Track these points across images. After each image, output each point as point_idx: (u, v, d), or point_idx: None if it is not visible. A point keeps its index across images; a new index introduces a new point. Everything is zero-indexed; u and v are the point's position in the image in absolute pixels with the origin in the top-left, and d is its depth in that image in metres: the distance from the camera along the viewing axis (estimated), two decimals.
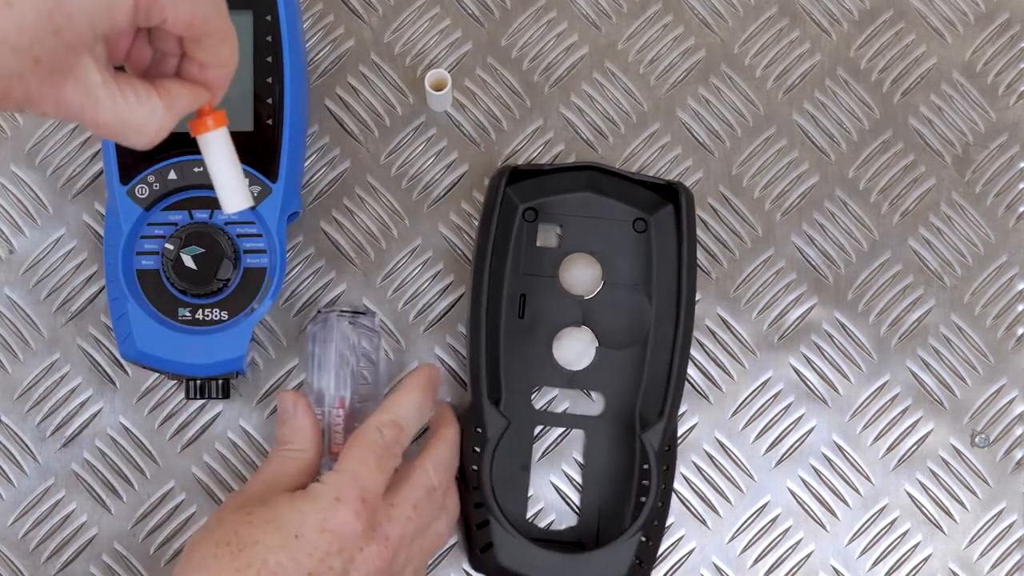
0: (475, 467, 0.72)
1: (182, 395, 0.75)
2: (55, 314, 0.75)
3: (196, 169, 0.69)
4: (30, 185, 0.76)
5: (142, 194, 0.69)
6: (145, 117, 0.53)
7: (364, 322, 0.72)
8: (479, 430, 0.72)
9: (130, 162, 0.70)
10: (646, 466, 0.72)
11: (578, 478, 0.75)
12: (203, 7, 0.53)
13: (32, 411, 0.75)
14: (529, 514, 0.74)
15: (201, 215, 0.69)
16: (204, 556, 0.61)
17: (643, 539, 0.71)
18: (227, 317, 0.69)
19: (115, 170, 0.70)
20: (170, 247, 0.68)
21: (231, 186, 0.60)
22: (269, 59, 0.70)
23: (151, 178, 0.69)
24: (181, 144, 0.69)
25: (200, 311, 0.69)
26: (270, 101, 0.70)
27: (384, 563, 0.63)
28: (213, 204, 0.69)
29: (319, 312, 0.72)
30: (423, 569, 0.68)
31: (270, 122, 0.70)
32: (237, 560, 0.60)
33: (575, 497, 0.75)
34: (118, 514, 0.74)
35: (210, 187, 0.69)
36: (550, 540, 0.74)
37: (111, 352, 0.75)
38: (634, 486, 0.73)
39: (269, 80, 0.70)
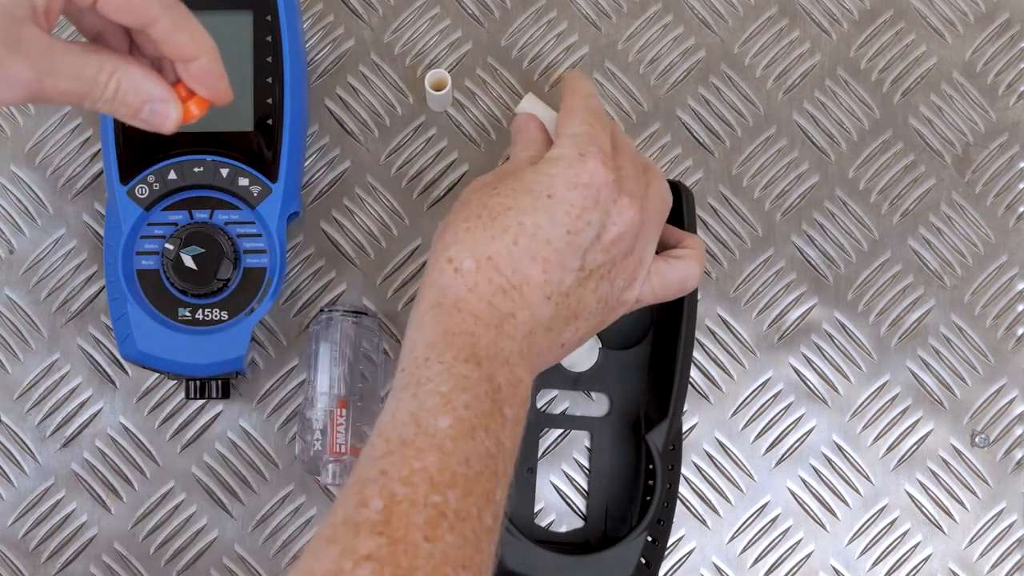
0: None
1: (182, 395, 0.75)
2: (55, 314, 0.75)
3: (196, 169, 0.69)
4: (30, 185, 0.76)
5: (142, 194, 0.69)
6: (96, 69, 0.53)
7: (365, 322, 0.72)
8: None
9: (130, 162, 0.69)
10: (651, 466, 0.72)
11: (579, 478, 0.75)
12: None
13: (32, 411, 0.75)
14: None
15: (201, 215, 0.69)
16: (456, 232, 0.60)
17: (649, 539, 0.71)
18: (227, 317, 0.69)
19: (115, 170, 0.70)
20: (170, 247, 0.68)
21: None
22: (269, 59, 0.70)
23: (151, 178, 0.69)
24: (181, 144, 0.69)
25: (200, 311, 0.69)
26: (270, 101, 0.70)
27: (637, 215, 0.61)
28: (213, 204, 0.69)
29: (321, 312, 0.72)
30: (649, 260, 0.64)
31: (270, 122, 0.70)
32: (491, 228, 0.59)
33: (575, 497, 0.75)
34: (118, 514, 0.74)
35: (211, 187, 0.69)
36: (557, 542, 0.74)
37: (111, 352, 0.75)
38: (639, 486, 0.73)
39: (269, 80, 0.70)
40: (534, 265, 0.59)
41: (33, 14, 0.50)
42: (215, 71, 0.56)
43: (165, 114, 0.56)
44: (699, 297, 0.76)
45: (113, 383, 0.75)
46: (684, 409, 0.74)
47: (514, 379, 0.58)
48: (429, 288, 0.60)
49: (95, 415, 0.75)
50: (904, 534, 0.75)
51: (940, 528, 0.75)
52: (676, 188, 0.73)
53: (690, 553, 0.75)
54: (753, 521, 0.75)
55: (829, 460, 0.75)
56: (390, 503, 0.52)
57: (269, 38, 0.70)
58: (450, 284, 0.59)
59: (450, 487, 0.53)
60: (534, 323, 0.59)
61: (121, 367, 0.75)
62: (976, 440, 0.75)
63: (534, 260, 0.59)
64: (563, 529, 0.75)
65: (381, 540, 0.51)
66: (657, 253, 0.65)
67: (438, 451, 0.54)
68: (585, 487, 0.75)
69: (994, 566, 0.75)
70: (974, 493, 0.75)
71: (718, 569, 0.75)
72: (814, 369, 0.76)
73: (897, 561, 0.75)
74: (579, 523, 0.75)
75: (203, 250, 0.68)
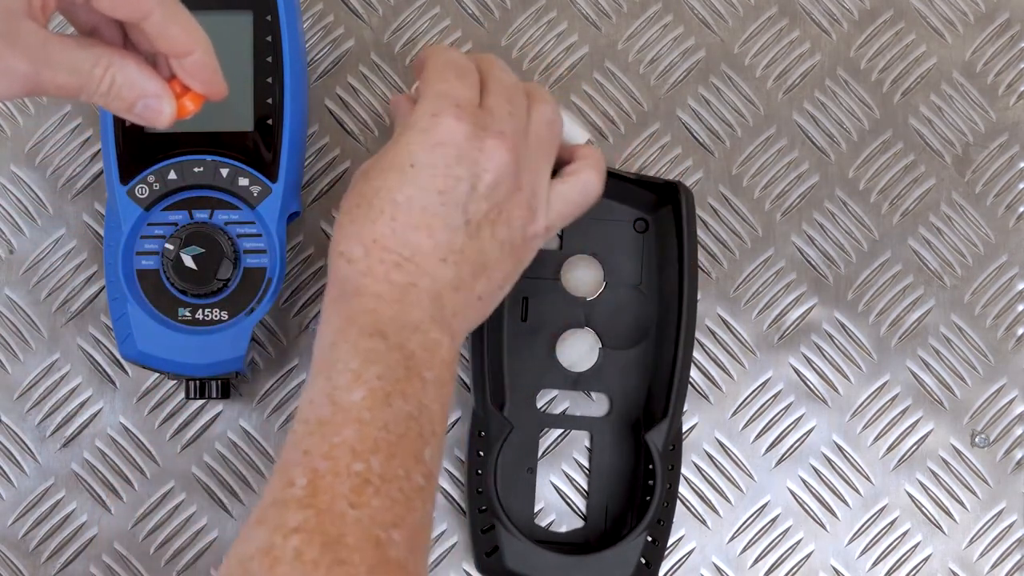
0: (479, 471, 0.72)
1: (182, 395, 0.75)
2: (55, 314, 0.75)
3: (196, 169, 0.69)
4: (30, 185, 0.76)
5: (142, 194, 0.69)
6: (92, 62, 0.53)
7: None
8: (483, 434, 0.72)
9: (130, 162, 0.69)
10: (651, 466, 0.72)
11: (579, 478, 0.75)
12: None
13: (32, 411, 0.75)
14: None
15: (201, 215, 0.69)
16: (342, 226, 0.62)
17: (649, 539, 0.71)
18: (227, 317, 0.69)
19: (115, 170, 0.69)
20: (170, 247, 0.68)
21: None
22: (269, 59, 0.70)
23: (151, 178, 0.69)
24: (181, 144, 0.69)
25: (200, 311, 0.69)
26: (270, 101, 0.70)
27: (509, 154, 0.62)
28: (213, 204, 0.69)
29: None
30: (544, 188, 0.65)
31: (270, 122, 0.70)
32: (371, 212, 0.61)
33: (575, 497, 0.75)
34: (118, 514, 0.74)
35: (211, 187, 0.69)
36: (557, 542, 0.74)
37: (111, 352, 0.75)
38: (639, 486, 0.73)
39: (269, 80, 0.70)
40: (418, 234, 0.60)
41: (28, 8, 0.51)
42: (209, 65, 0.56)
43: (159, 109, 0.56)
44: (699, 297, 0.76)
45: (113, 383, 0.75)
46: (684, 409, 0.74)
47: (429, 343, 0.60)
48: (330, 286, 0.62)
49: (95, 415, 0.75)
50: (904, 534, 0.75)
51: (940, 528, 0.75)
52: (676, 188, 0.73)
53: (690, 553, 0.75)
54: (753, 521, 0.75)
55: (829, 460, 0.75)
56: (314, 478, 0.54)
57: (269, 38, 0.70)
58: (347, 275, 0.61)
59: (372, 453, 0.55)
60: (438, 286, 0.61)
61: (121, 367, 0.75)
62: (976, 440, 0.75)
63: (417, 229, 0.60)
64: (563, 529, 0.75)
65: (308, 512, 0.53)
66: (554, 175, 0.66)
67: (356, 423, 0.56)
68: (585, 487, 0.75)
69: (994, 566, 0.75)
70: (974, 493, 0.75)
71: (718, 569, 0.75)
72: (814, 369, 0.76)
73: (897, 561, 0.75)
74: (579, 523, 0.75)
75: (203, 250, 0.68)
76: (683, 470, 0.75)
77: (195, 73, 0.56)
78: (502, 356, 0.74)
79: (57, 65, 0.52)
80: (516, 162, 0.63)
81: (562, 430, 0.75)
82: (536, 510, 0.75)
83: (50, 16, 0.53)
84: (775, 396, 0.76)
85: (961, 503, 0.75)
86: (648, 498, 0.71)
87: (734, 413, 0.76)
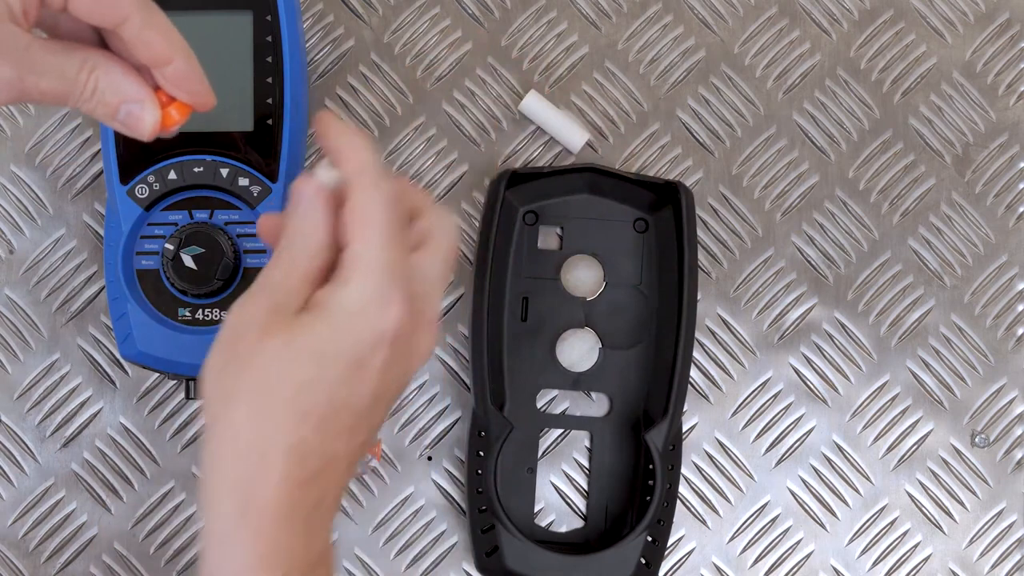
0: (479, 471, 0.72)
1: (182, 395, 0.75)
2: (55, 314, 0.75)
3: (196, 169, 0.69)
4: (30, 185, 0.76)
5: (142, 194, 0.69)
6: (77, 66, 0.51)
7: None
8: (483, 434, 0.72)
9: (130, 162, 0.69)
10: (651, 466, 0.72)
11: (579, 478, 0.75)
12: None
13: (32, 411, 0.75)
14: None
15: (201, 215, 0.69)
16: (252, 412, 0.49)
17: (649, 539, 0.71)
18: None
19: (115, 170, 0.69)
20: (170, 247, 0.68)
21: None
22: (269, 59, 0.70)
23: (151, 178, 0.69)
24: (181, 144, 0.69)
25: (200, 311, 0.69)
26: (270, 101, 0.70)
27: (435, 338, 0.53)
28: (213, 204, 0.69)
29: None
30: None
31: (270, 122, 0.70)
32: (292, 410, 0.49)
33: (575, 497, 0.75)
34: (118, 514, 0.74)
35: (211, 187, 0.69)
36: (557, 542, 0.74)
37: (111, 352, 0.75)
38: (639, 486, 0.73)
39: (269, 80, 0.70)
40: (340, 439, 0.50)
41: (10, 13, 0.49)
42: (190, 74, 0.53)
43: (141, 116, 0.52)
44: (699, 297, 0.76)
45: (113, 383, 0.75)
46: (684, 409, 0.74)
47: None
48: (229, 488, 0.49)
49: (95, 415, 0.75)
50: (904, 534, 0.75)
51: (940, 528, 0.75)
52: (676, 188, 0.73)
53: (690, 553, 0.75)
54: (753, 521, 0.75)
55: (829, 460, 0.75)
56: None
57: (269, 38, 0.70)
58: (254, 481, 0.49)
59: None
60: (338, 491, 0.52)
61: (121, 367, 0.75)
62: (976, 440, 0.75)
63: (339, 435, 0.50)
64: (563, 529, 0.75)
65: None
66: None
67: None
68: (585, 487, 0.75)
69: (994, 566, 0.75)
70: (974, 493, 0.75)
71: (718, 569, 0.75)
72: (814, 369, 0.76)
73: (897, 561, 0.75)
74: (579, 523, 0.75)
75: (203, 250, 0.68)
76: (683, 470, 0.75)
77: (176, 82, 0.53)
78: (502, 356, 0.74)
79: (41, 70, 0.50)
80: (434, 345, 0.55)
81: (562, 430, 0.75)
82: (536, 510, 0.75)
83: (33, 22, 0.51)
84: (775, 396, 0.76)
85: (961, 503, 0.75)
86: (648, 498, 0.71)
87: (734, 413, 0.76)
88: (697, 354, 0.76)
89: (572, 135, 0.76)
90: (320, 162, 0.52)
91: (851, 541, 0.75)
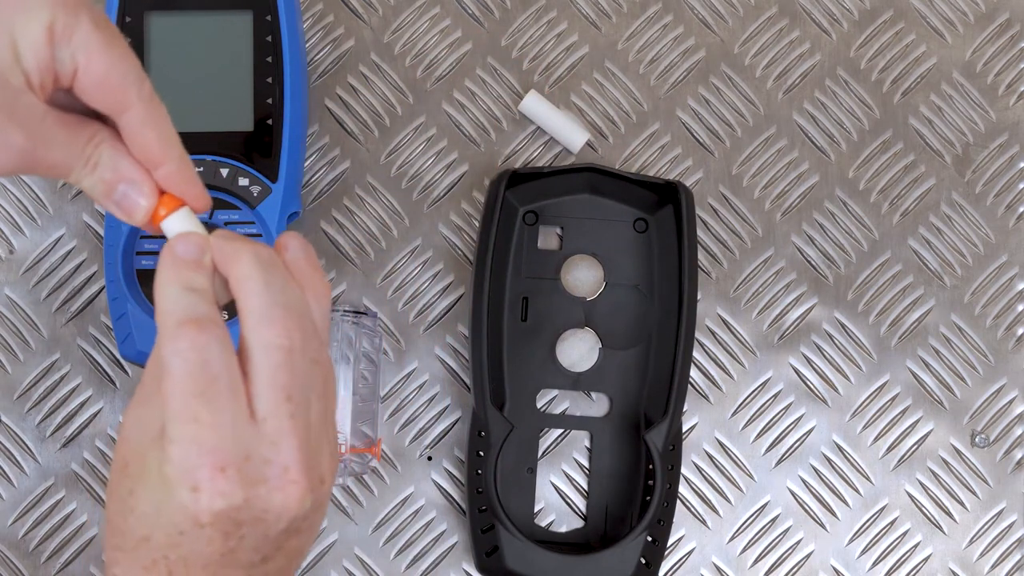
0: (479, 471, 0.72)
1: None
2: (55, 314, 0.75)
3: (196, 169, 0.69)
4: (30, 185, 0.76)
5: None
6: (86, 138, 0.49)
7: (366, 322, 0.72)
8: (483, 435, 0.72)
9: None
10: (651, 466, 0.72)
11: (579, 478, 0.75)
12: (120, 69, 0.48)
13: (32, 411, 0.75)
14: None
15: (201, 215, 0.69)
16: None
17: (649, 539, 0.71)
18: (227, 317, 0.69)
19: None
20: None
21: None
22: (269, 59, 0.70)
23: None
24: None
25: None
26: (270, 101, 0.70)
27: (301, 494, 0.48)
28: (213, 204, 0.69)
29: None
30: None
31: (270, 122, 0.70)
32: (141, 560, 0.48)
33: (576, 497, 0.75)
34: None
35: (211, 187, 0.69)
36: (557, 542, 0.74)
37: (111, 352, 0.75)
38: (639, 486, 0.73)
39: (269, 80, 0.70)
40: None
41: (29, 83, 0.48)
42: (181, 181, 0.50)
43: (136, 200, 0.50)
44: (699, 297, 0.76)
45: (113, 383, 0.75)
46: (684, 409, 0.74)
47: None
48: None
49: (95, 415, 0.75)
50: (904, 534, 0.75)
51: (940, 528, 0.75)
52: (676, 188, 0.73)
53: (690, 553, 0.75)
54: (753, 521, 0.75)
55: (829, 460, 0.75)
56: None
57: (269, 38, 0.70)
58: None
59: None
60: None
61: (121, 367, 0.75)
62: (976, 440, 0.75)
63: None
64: (563, 529, 0.75)
65: None
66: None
67: None
68: (585, 487, 0.75)
69: (994, 566, 0.75)
70: (974, 493, 0.75)
71: (718, 569, 0.75)
72: (814, 369, 0.76)
73: (897, 561, 0.75)
74: (579, 523, 0.75)
75: None
76: (683, 470, 0.75)
77: (166, 185, 0.50)
78: (502, 356, 0.74)
79: (53, 142, 0.49)
80: (310, 485, 0.48)
81: (562, 430, 0.75)
82: (536, 510, 0.75)
83: (48, 96, 0.49)
84: (775, 396, 0.76)
85: (961, 503, 0.75)
86: (648, 498, 0.71)
87: (734, 413, 0.76)
88: (697, 354, 0.76)
89: (572, 135, 0.76)
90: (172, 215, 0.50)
91: (851, 541, 0.75)
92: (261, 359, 0.47)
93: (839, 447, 0.75)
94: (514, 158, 0.77)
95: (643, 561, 0.71)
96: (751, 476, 0.75)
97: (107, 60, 0.48)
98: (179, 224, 0.50)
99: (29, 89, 0.48)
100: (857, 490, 0.75)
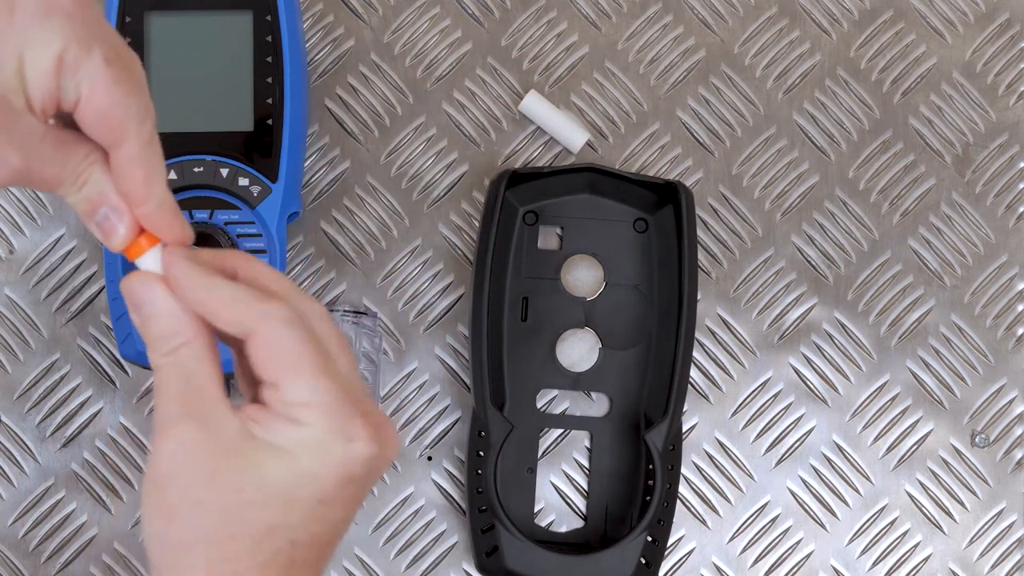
0: (479, 471, 0.72)
1: None
2: (55, 314, 0.75)
3: (196, 169, 0.69)
4: None
5: None
6: (81, 156, 0.49)
7: (366, 322, 0.72)
8: (483, 435, 0.72)
9: None
10: (651, 466, 0.72)
11: (579, 478, 0.75)
12: (122, 106, 0.48)
13: (32, 411, 0.75)
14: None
15: (201, 215, 0.69)
16: (214, 559, 0.48)
17: (649, 539, 0.71)
18: None
19: None
20: None
21: None
22: (269, 59, 0.70)
23: None
24: (181, 144, 0.69)
25: None
26: (270, 101, 0.70)
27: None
28: (213, 204, 0.69)
29: None
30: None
31: (270, 122, 0.70)
32: (258, 553, 0.48)
33: (576, 498, 0.75)
34: (118, 514, 0.74)
35: (211, 187, 0.69)
36: (557, 542, 0.74)
37: (111, 352, 0.75)
38: (640, 486, 0.73)
39: (269, 80, 0.70)
40: (317, 569, 0.49)
41: (29, 107, 0.48)
42: (158, 221, 0.50)
43: (114, 226, 0.50)
44: (699, 297, 0.76)
45: (113, 383, 0.75)
46: (684, 409, 0.74)
47: None
48: None
49: (95, 415, 0.75)
50: (904, 534, 0.75)
51: (940, 528, 0.75)
52: (676, 188, 0.73)
53: (690, 553, 0.75)
54: (753, 521, 0.75)
55: (829, 460, 0.75)
56: None
57: (269, 38, 0.70)
58: None
59: None
60: None
61: (121, 367, 0.75)
62: (976, 440, 0.75)
63: (312, 566, 0.49)
64: (563, 529, 0.75)
65: None
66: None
67: None
68: (585, 487, 0.75)
69: (994, 566, 0.75)
70: (974, 493, 0.75)
71: (718, 569, 0.75)
72: (814, 369, 0.76)
73: (897, 561, 0.75)
74: (579, 523, 0.75)
75: None
76: (683, 470, 0.75)
77: (144, 223, 0.50)
78: (502, 356, 0.74)
79: (48, 160, 0.49)
80: None
81: (562, 430, 0.75)
82: (536, 510, 0.75)
83: (50, 117, 0.49)
84: (775, 396, 0.76)
85: (961, 503, 0.75)
86: (648, 498, 0.71)
87: (734, 413, 0.76)
88: (697, 354, 0.76)
89: (572, 135, 0.76)
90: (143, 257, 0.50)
91: (851, 541, 0.75)
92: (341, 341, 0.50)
93: (839, 447, 0.75)
94: (514, 158, 0.77)
95: (643, 561, 0.71)
96: (751, 476, 0.75)
97: (110, 97, 0.47)
98: (150, 263, 0.50)
99: (30, 112, 0.47)
100: (857, 490, 0.75)
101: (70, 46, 0.47)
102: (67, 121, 0.51)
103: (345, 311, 0.72)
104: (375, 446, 0.48)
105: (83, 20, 0.47)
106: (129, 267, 0.69)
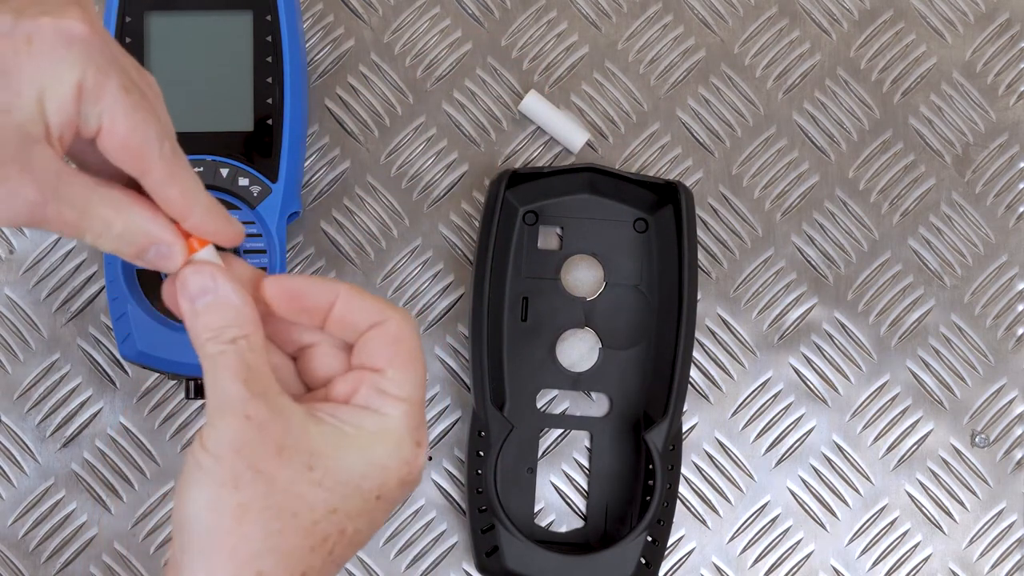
0: (479, 471, 0.72)
1: (182, 395, 0.75)
2: (55, 314, 0.75)
3: (196, 169, 0.69)
4: None
5: None
6: (105, 204, 0.49)
7: None
8: (483, 435, 0.72)
9: None
10: (651, 466, 0.72)
11: (579, 478, 0.75)
12: (142, 132, 0.48)
13: (32, 411, 0.75)
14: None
15: None
16: (269, 532, 0.48)
17: (649, 539, 0.71)
18: None
19: None
20: None
21: None
22: (269, 59, 0.70)
23: None
24: (181, 144, 0.69)
25: None
26: (270, 101, 0.70)
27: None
28: None
29: None
30: None
31: (270, 122, 0.70)
32: (311, 536, 0.49)
33: (576, 498, 0.75)
34: (118, 514, 0.74)
35: (211, 187, 0.69)
36: (557, 542, 0.74)
37: (111, 352, 0.75)
38: (639, 486, 0.73)
39: (269, 80, 0.70)
40: (337, 569, 0.51)
41: (47, 135, 0.47)
42: (208, 225, 0.51)
43: (169, 256, 0.51)
44: (699, 297, 0.76)
45: (113, 383, 0.75)
46: (684, 409, 0.74)
47: None
48: None
49: (95, 415, 0.75)
50: (904, 534, 0.75)
51: (940, 528, 0.75)
52: (676, 188, 0.73)
53: (690, 553, 0.75)
54: (753, 521, 0.75)
55: (829, 460, 0.75)
56: None
57: (269, 38, 0.70)
58: None
59: None
60: None
61: (121, 367, 0.75)
62: (976, 440, 0.75)
63: (339, 566, 0.51)
64: (563, 529, 0.75)
65: None
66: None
67: None
68: (585, 487, 0.75)
69: (994, 566, 0.75)
70: (974, 493, 0.75)
71: (718, 569, 0.75)
72: (814, 369, 0.76)
73: (897, 561, 0.75)
74: (579, 523, 0.75)
75: None
76: (683, 470, 0.75)
77: (195, 233, 0.51)
78: (502, 356, 0.74)
79: (67, 199, 0.48)
80: None
81: (562, 430, 0.75)
82: (536, 510, 0.75)
83: (66, 148, 0.49)
84: (775, 396, 0.76)
85: (961, 503, 0.75)
86: (648, 498, 0.71)
87: (734, 413, 0.76)
88: (697, 354, 0.76)
89: (572, 135, 0.76)
90: (194, 257, 0.51)
91: (851, 541, 0.75)
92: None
93: (839, 447, 0.75)
94: (514, 158, 0.77)
95: (643, 561, 0.71)
96: (751, 476, 0.75)
97: (129, 124, 0.48)
98: (207, 255, 0.52)
99: (47, 142, 0.47)
100: (857, 490, 0.75)
101: (89, 73, 0.47)
102: (81, 163, 0.51)
103: None
104: (425, 458, 0.51)
105: (100, 48, 0.47)
106: (129, 267, 0.69)
